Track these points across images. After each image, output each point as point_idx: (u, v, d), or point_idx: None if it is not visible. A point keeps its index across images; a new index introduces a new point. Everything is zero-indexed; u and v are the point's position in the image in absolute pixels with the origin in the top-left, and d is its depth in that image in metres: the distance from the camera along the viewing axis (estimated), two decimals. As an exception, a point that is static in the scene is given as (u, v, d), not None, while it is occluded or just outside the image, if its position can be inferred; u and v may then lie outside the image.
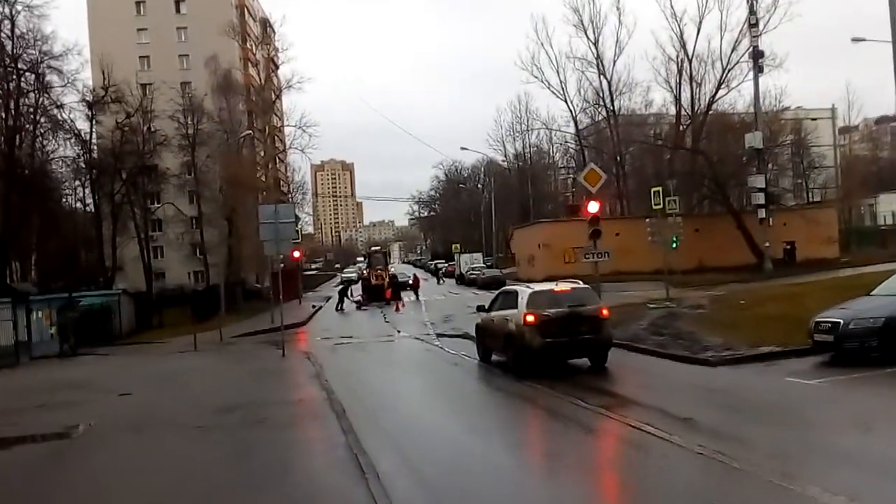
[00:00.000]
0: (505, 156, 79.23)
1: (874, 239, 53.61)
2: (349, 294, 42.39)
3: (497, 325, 15.55)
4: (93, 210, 42.20)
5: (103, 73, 42.88)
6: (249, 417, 11.14)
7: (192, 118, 50.08)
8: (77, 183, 46.59)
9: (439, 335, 23.90)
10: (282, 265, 24.73)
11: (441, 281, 65.94)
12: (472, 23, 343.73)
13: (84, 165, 42.17)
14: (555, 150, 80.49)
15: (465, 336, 22.82)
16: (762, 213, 43.05)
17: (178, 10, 63.56)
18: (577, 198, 68.23)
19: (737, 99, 52.56)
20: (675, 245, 27.31)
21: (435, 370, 17.05)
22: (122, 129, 42.38)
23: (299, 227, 36.90)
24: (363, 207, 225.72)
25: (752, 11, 44.34)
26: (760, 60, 43.96)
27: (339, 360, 19.83)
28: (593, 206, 21.90)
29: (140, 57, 59.90)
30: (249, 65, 63.72)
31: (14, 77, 36.05)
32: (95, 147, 44.67)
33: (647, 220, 28.89)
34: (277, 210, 19.75)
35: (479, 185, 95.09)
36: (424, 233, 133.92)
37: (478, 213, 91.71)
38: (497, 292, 16.87)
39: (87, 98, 41.22)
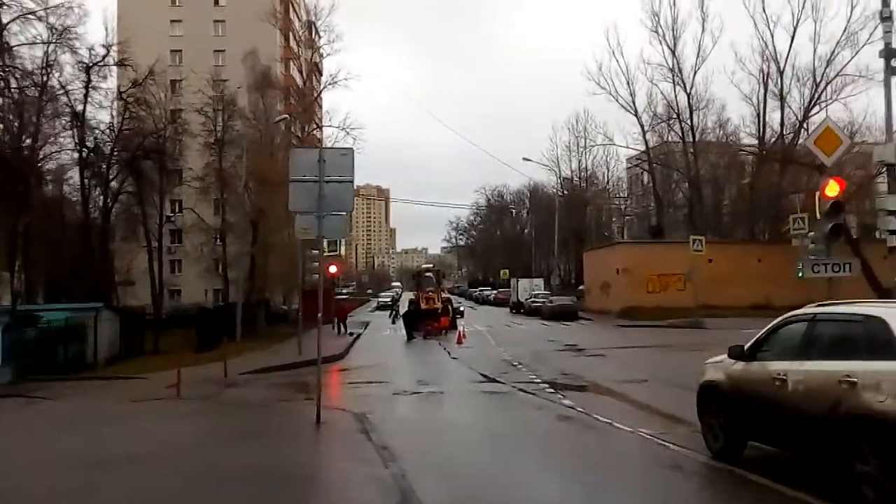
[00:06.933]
0: (559, 177, 69.86)
1: None
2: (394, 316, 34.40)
3: (798, 392, 6.33)
4: (82, 203, 32.21)
5: (105, 29, 33.99)
6: None
7: (223, 115, 41.73)
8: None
9: (555, 386, 14.49)
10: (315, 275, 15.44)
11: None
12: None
13: (76, 144, 31.71)
14: (610, 174, 71.05)
15: (596, 389, 14.12)
16: (893, 242, 33.44)
17: (216, 3, 55.67)
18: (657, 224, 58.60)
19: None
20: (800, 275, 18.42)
21: (644, 485, 7.41)
22: (125, 100, 32.71)
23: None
24: (396, 234, 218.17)
25: (885, 2, 35.40)
26: (894, 60, 35.01)
27: (422, 440, 10.24)
28: (832, 188, 12.48)
29: (171, 51, 51.57)
30: (291, 65, 55.39)
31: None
32: (95, 127, 34.47)
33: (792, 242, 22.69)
34: (324, 159, 9.78)
35: (523, 212, 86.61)
36: (460, 260, 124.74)
37: (520, 239, 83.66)
38: (778, 321, 7.38)
39: (84, 60, 31.00)
